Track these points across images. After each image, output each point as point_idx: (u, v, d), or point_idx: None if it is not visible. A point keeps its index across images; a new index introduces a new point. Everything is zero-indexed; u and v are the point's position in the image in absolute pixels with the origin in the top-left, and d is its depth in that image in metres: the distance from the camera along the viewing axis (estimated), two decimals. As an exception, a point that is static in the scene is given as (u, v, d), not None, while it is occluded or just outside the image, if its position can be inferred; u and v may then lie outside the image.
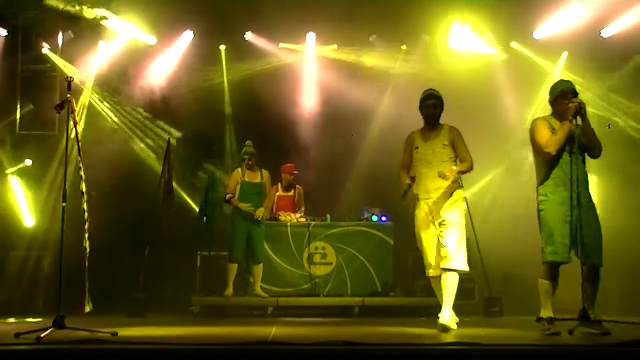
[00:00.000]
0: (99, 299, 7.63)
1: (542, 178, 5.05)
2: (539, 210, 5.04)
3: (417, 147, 5.63)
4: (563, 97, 5.02)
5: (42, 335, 4.11)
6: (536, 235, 5.08)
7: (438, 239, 5.46)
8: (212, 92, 9.71)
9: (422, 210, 5.56)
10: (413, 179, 5.48)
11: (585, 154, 5.06)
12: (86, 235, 4.75)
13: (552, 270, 4.93)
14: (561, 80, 5.32)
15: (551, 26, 9.14)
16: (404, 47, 9.72)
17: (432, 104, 5.63)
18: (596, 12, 8.63)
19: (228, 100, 9.86)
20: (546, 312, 4.91)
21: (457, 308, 6.42)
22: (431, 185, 5.51)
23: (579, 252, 4.80)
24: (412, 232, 5.68)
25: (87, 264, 4.75)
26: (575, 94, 5.03)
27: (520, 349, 3.80)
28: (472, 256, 8.08)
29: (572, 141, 4.91)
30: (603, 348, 3.77)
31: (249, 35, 9.53)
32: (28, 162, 8.83)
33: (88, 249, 4.76)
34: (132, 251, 7.91)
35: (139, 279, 7.66)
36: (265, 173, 8.04)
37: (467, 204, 5.71)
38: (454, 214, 5.47)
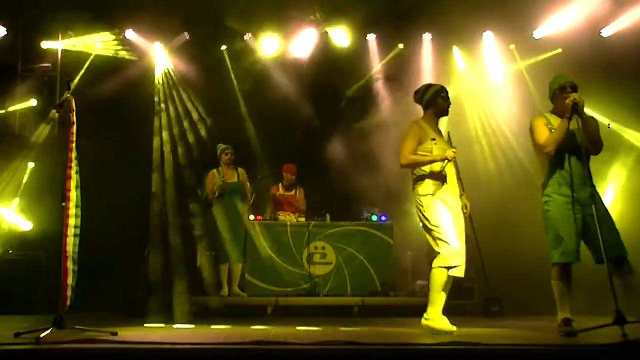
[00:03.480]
0: (100, 299, 7.68)
1: (546, 179, 4.93)
2: (544, 212, 4.89)
3: (434, 139, 5.15)
4: (562, 91, 4.89)
5: (42, 335, 4.10)
6: (536, 235, 5.05)
7: None
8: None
9: (443, 206, 5.07)
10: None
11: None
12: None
13: (564, 271, 4.76)
14: (560, 75, 5.07)
15: (551, 26, 9.13)
16: (401, 46, 9.72)
17: (448, 97, 5.28)
18: (596, 12, 8.61)
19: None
20: (563, 314, 4.73)
21: (457, 308, 6.43)
22: (449, 183, 5.15)
23: (594, 252, 4.65)
24: (412, 232, 5.44)
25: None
26: (574, 88, 4.87)
27: (520, 349, 3.80)
28: (472, 256, 8.10)
29: (572, 139, 4.76)
30: (603, 348, 3.77)
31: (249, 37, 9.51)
32: (31, 164, 8.82)
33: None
34: (132, 251, 7.91)
35: (139, 279, 7.65)
36: (242, 171, 8.10)
37: None
38: (463, 223, 5.21)
